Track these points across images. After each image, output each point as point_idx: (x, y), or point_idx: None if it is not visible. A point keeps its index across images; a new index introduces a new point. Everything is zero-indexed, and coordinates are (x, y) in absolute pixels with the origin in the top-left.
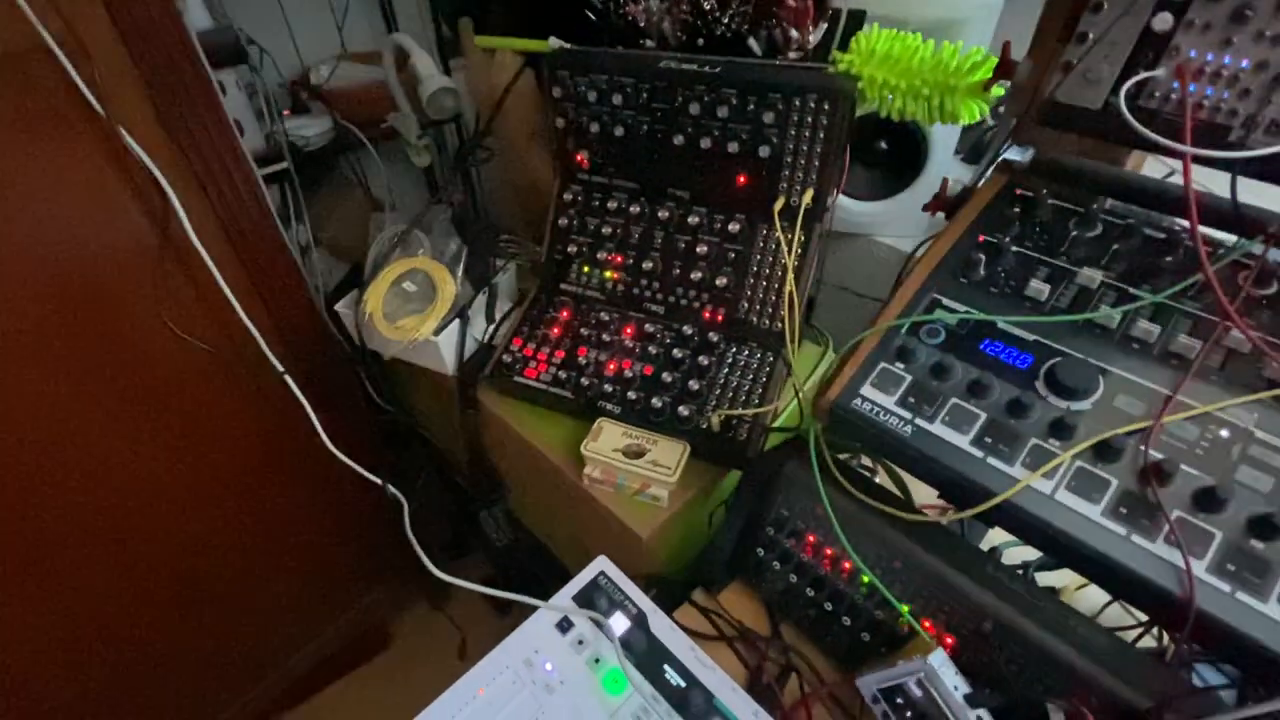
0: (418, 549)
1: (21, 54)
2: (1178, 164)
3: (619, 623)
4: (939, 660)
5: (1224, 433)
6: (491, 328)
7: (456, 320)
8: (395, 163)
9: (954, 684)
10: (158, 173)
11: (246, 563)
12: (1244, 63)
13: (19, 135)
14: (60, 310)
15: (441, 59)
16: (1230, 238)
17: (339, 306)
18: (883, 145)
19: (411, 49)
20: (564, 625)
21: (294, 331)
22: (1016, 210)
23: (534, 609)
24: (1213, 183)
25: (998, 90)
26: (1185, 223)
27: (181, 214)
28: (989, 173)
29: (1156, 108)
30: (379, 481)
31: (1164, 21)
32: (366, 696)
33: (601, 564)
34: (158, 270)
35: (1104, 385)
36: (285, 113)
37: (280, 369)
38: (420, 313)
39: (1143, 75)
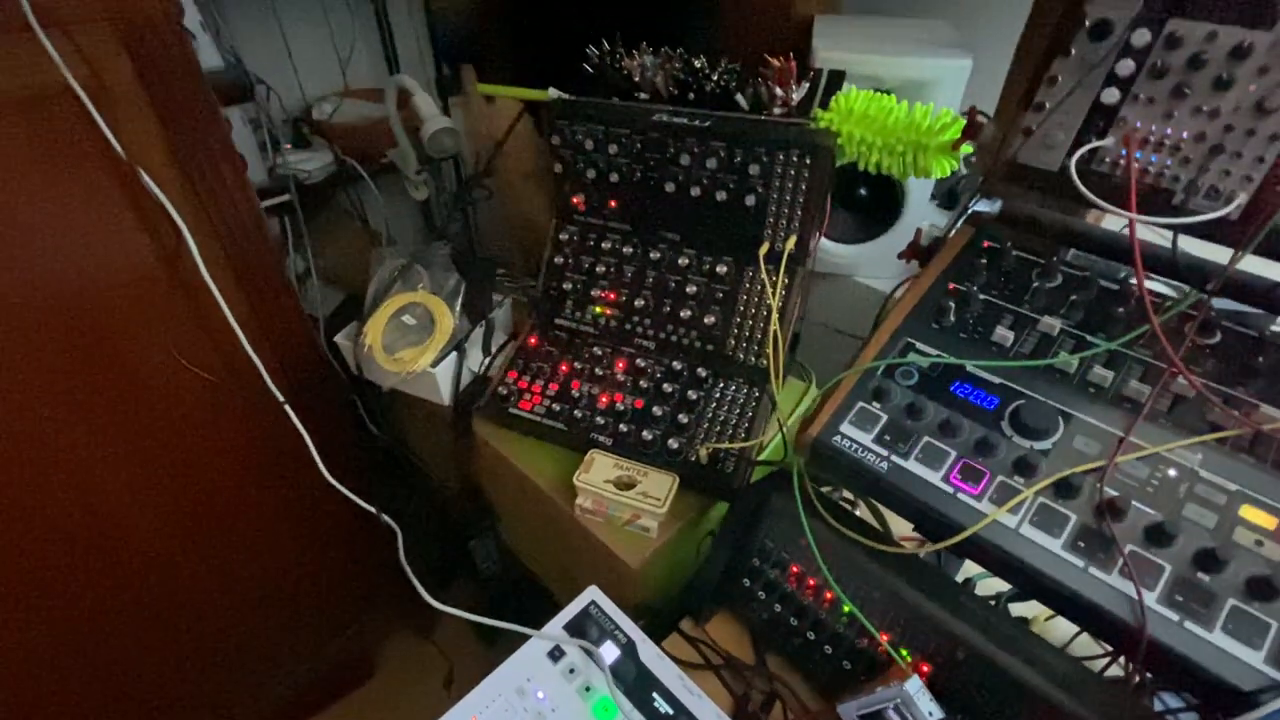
0: (413, 578)
1: (49, 97)
2: None
3: (609, 652)
4: (914, 687)
5: (1172, 472)
6: (487, 360)
7: (454, 353)
8: (393, 195)
9: (928, 710)
10: (172, 209)
11: (237, 587)
12: (1184, 133)
13: (39, 171)
14: (68, 336)
15: (440, 98)
16: (1183, 287)
17: (339, 338)
18: (862, 192)
19: (414, 90)
20: (555, 654)
21: (294, 362)
22: (983, 261)
23: (523, 638)
24: (1164, 235)
25: (966, 149)
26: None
27: (193, 247)
28: (959, 224)
29: (1107, 172)
30: (373, 510)
31: (1112, 95)
32: None
33: (592, 594)
34: (167, 302)
35: (1064, 426)
36: (286, 147)
37: (281, 399)
38: (418, 345)
39: (1094, 144)
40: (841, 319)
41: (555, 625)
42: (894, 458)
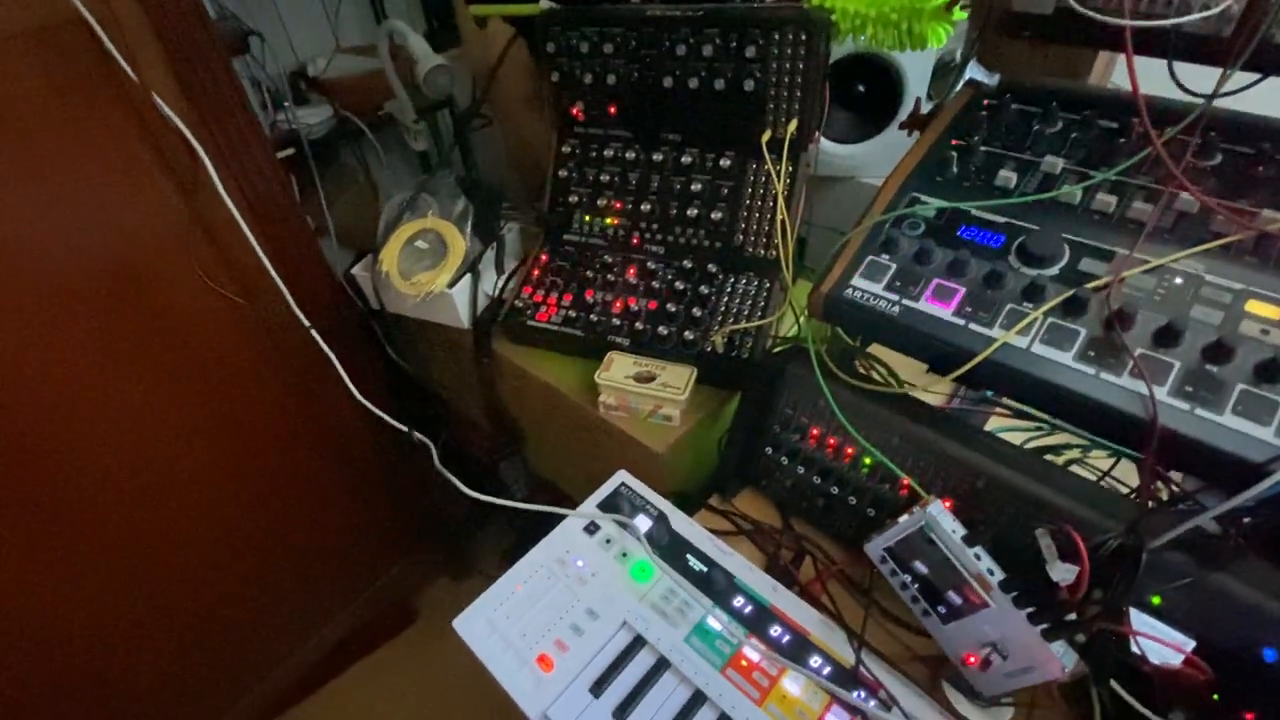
0: (450, 477)
1: (57, 26)
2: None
3: (642, 523)
4: (937, 509)
5: (1178, 280)
6: (501, 280)
7: (468, 274)
8: (392, 149)
9: (952, 528)
10: (189, 134)
11: (280, 524)
12: None
13: (55, 105)
14: (99, 277)
15: (434, 40)
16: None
17: (355, 270)
18: (860, 88)
19: (406, 33)
20: (591, 529)
21: (314, 294)
22: (983, 114)
23: (562, 518)
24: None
25: (959, 13)
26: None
27: (213, 172)
28: (959, 87)
29: (1101, 5)
30: (405, 429)
31: None
32: (396, 669)
33: (622, 476)
34: (190, 227)
35: (1069, 252)
36: (287, 103)
37: (307, 324)
38: (433, 269)
39: None
40: (848, 222)
41: (589, 504)
42: (905, 301)
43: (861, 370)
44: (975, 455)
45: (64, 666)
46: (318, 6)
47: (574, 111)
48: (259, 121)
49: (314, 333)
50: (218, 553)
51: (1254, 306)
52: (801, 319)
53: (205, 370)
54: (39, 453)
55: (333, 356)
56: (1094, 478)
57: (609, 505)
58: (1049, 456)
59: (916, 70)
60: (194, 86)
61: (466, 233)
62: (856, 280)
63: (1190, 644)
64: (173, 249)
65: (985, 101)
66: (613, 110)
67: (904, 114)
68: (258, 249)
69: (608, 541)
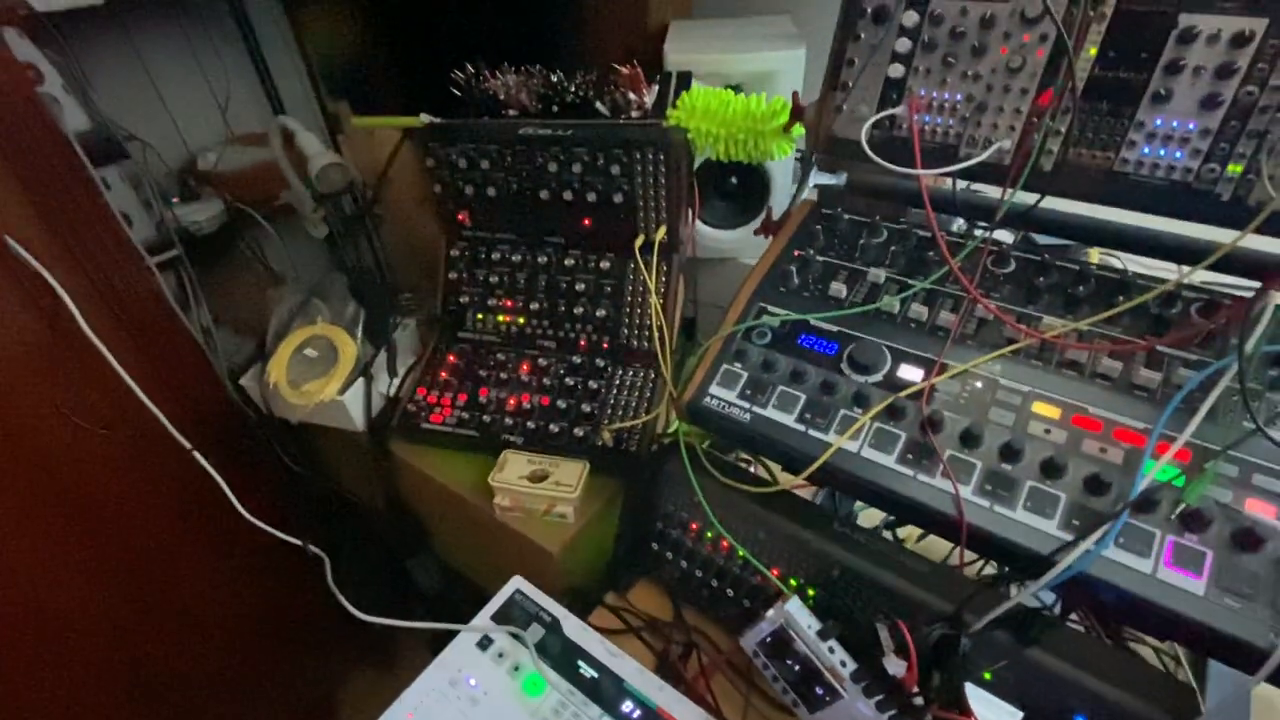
0: (341, 599)
1: None
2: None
3: (534, 632)
4: (794, 606)
5: (978, 384)
6: (396, 382)
7: (361, 379)
8: (296, 235)
9: (808, 624)
10: (46, 273)
11: (183, 644)
12: (957, 95)
13: None
14: None
15: (330, 134)
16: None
17: (244, 380)
18: (733, 180)
19: (296, 129)
20: (484, 643)
21: (201, 409)
22: (819, 227)
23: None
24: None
25: (798, 130)
26: (953, 223)
27: (73, 309)
28: (801, 198)
29: (906, 136)
30: (298, 542)
31: (897, 70)
32: None
33: (517, 583)
34: (53, 364)
35: (890, 359)
36: (175, 200)
37: (188, 446)
38: (324, 376)
39: (886, 112)
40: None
41: (483, 616)
42: (754, 408)
43: (741, 464)
44: (831, 545)
45: None
46: (207, 97)
47: (460, 218)
48: (130, 241)
49: (196, 454)
50: (122, 682)
51: (1039, 407)
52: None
53: (80, 503)
54: None
55: (217, 476)
56: None
57: (503, 615)
58: None
59: (781, 165)
60: (54, 215)
61: (358, 337)
62: (714, 388)
63: (1019, 715)
64: (33, 382)
65: (823, 211)
66: (496, 216)
67: (774, 202)
68: (130, 382)
69: (500, 655)
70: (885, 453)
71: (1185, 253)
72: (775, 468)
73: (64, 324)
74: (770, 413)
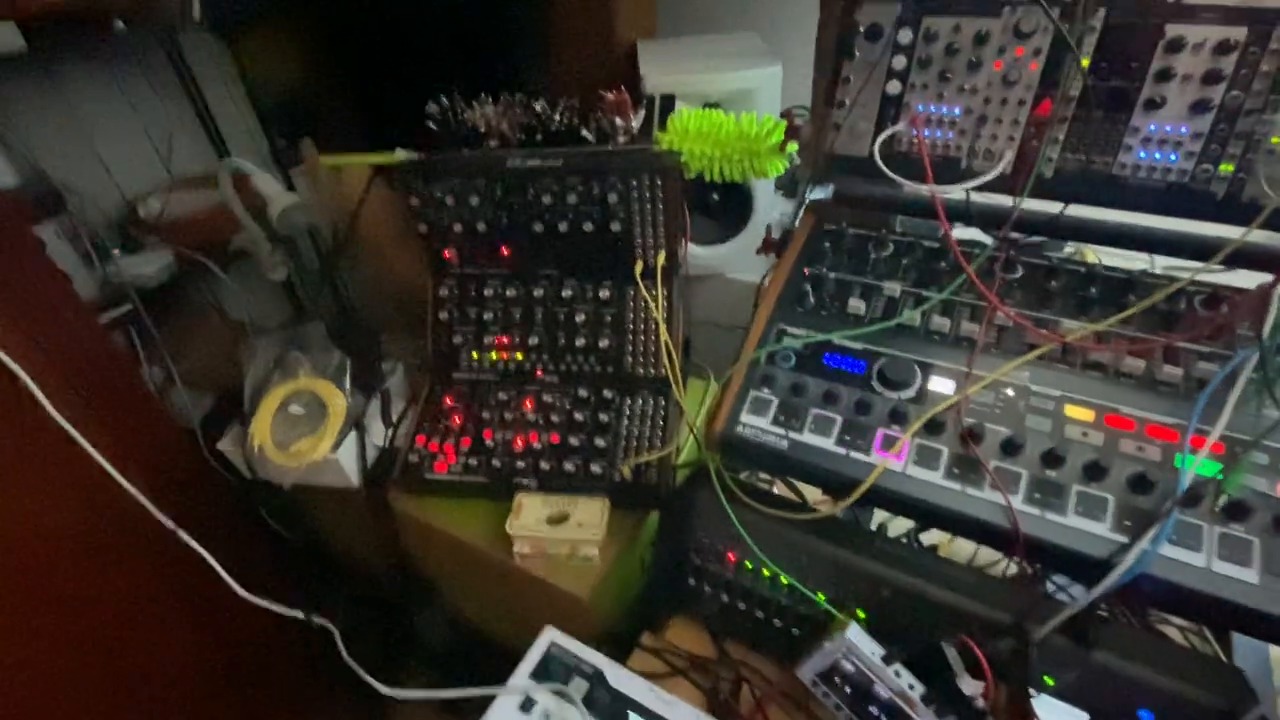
0: (362, 674)
1: None
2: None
3: (578, 687)
4: (855, 633)
5: (1010, 392)
6: (391, 431)
7: (353, 432)
8: (250, 280)
9: (871, 650)
10: (5, 357)
11: None
12: (956, 110)
13: None
14: None
15: (281, 172)
16: (987, 236)
17: (222, 445)
18: (715, 197)
19: (251, 171)
20: (527, 705)
21: (178, 482)
22: (827, 244)
23: (491, 700)
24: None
25: (792, 147)
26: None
27: (37, 392)
28: (801, 214)
29: (906, 150)
30: (300, 615)
31: (895, 87)
32: None
33: (551, 635)
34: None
35: (920, 374)
36: (116, 253)
37: (171, 525)
38: (312, 434)
39: (890, 130)
40: (722, 314)
41: (520, 676)
42: (791, 434)
43: (766, 483)
44: (877, 566)
45: None
46: (143, 141)
47: (446, 255)
48: (81, 306)
49: (181, 533)
50: None
51: (1072, 411)
52: (699, 439)
53: (62, 595)
54: None
55: (207, 555)
56: None
57: (542, 670)
58: None
59: (761, 180)
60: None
61: (346, 388)
62: (745, 417)
63: (1085, 717)
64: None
65: (827, 227)
66: (486, 251)
67: (756, 219)
68: (103, 461)
69: (547, 717)
70: (930, 469)
71: (1182, 247)
72: (804, 488)
73: (27, 411)
74: (808, 438)
